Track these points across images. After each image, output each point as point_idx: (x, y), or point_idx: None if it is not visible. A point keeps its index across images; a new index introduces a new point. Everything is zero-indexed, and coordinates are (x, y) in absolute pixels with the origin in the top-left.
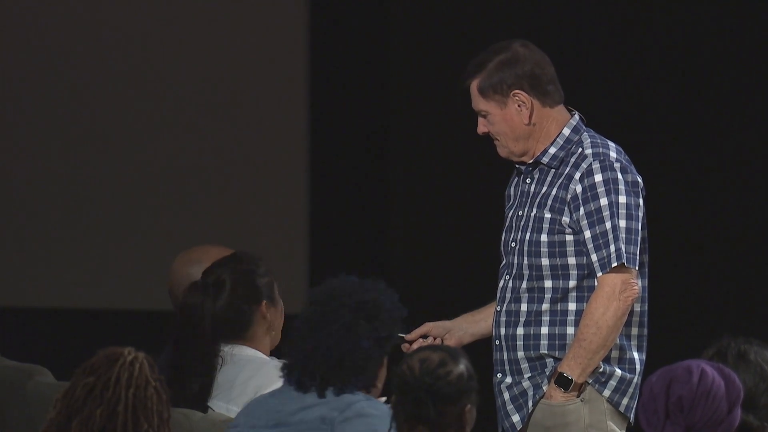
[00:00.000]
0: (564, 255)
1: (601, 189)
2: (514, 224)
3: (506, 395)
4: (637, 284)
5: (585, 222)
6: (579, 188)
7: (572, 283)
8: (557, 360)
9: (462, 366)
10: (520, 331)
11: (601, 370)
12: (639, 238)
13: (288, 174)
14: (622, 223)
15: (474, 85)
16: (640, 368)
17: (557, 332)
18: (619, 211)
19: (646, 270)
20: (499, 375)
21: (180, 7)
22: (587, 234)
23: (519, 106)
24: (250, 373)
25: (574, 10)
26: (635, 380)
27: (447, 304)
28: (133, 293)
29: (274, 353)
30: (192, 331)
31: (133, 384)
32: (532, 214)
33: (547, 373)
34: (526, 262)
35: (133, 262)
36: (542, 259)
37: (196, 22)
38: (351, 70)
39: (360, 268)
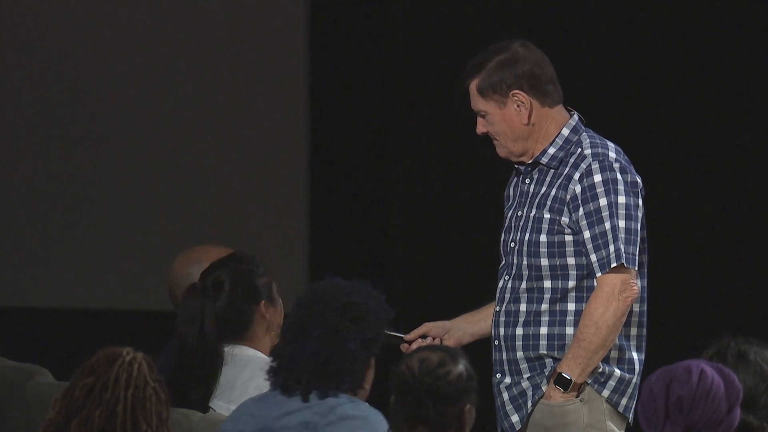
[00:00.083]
0: (563, 255)
1: (600, 189)
2: (513, 224)
3: (505, 395)
4: (637, 284)
5: (584, 222)
6: (578, 188)
7: (571, 284)
8: (556, 360)
9: (461, 366)
10: (519, 331)
11: (600, 370)
12: (638, 239)
13: (288, 174)
14: (622, 224)
15: (473, 85)
16: (640, 368)
17: (556, 332)
18: (619, 211)
19: (646, 270)
20: (498, 375)
21: (180, 7)
22: (586, 234)
23: (518, 106)
24: (251, 373)
25: (574, 10)
26: (634, 380)
27: (446, 304)
28: (133, 293)
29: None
30: (193, 332)
31: (132, 384)
32: (532, 214)
33: (547, 374)
34: (525, 262)
35: (133, 262)
36: (541, 260)
37: (196, 22)
38: (351, 70)
39: (360, 268)
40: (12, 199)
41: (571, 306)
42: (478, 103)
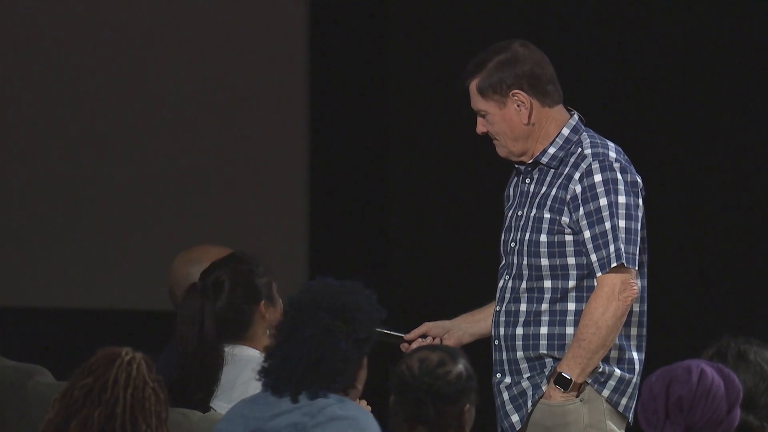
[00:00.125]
0: (563, 255)
1: (600, 189)
2: (513, 224)
3: (505, 395)
4: (637, 284)
5: (584, 222)
6: (578, 188)
7: (571, 283)
8: (556, 360)
9: (461, 365)
10: (519, 331)
11: (600, 370)
12: (638, 238)
13: (288, 174)
14: (622, 223)
15: (473, 85)
16: (640, 368)
17: (556, 332)
18: (619, 211)
19: (646, 270)
20: (498, 375)
21: (180, 7)
22: (587, 234)
23: (518, 105)
24: (252, 373)
25: (574, 10)
26: (634, 380)
27: (446, 304)
28: (133, 293)
29: None
30: (193, 332)
31: (131, 385)
32: (532, 214)
33: (547, 373)
34: (525, 262)
35: (133, 262)
36: (542, 259)
37: (196, 22)
38: (351, 70)
39: (360, 268)
40: (12, 199)
41: (571, 306)
42: (478, 102)
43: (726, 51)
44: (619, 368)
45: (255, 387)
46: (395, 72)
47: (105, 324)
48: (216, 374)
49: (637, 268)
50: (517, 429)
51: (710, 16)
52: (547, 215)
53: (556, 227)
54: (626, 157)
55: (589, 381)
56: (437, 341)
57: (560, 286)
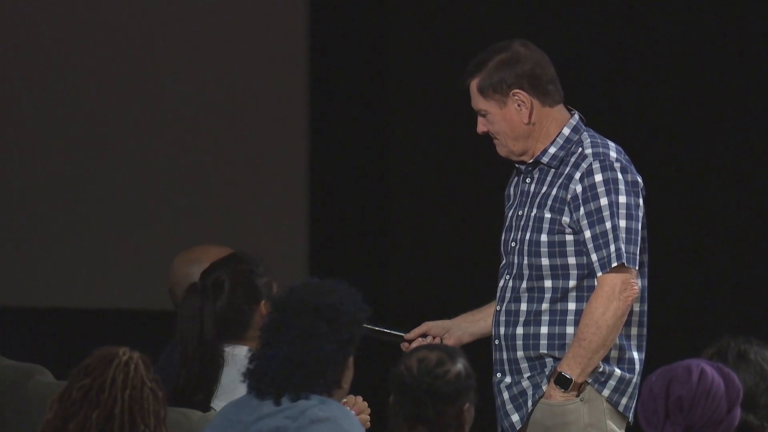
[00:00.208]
0: (564, 255)
1: (601, 189)
2: (514, 224)
3: (506, 395)
4: (637, 284)
5: (585, 222)
6: (579, 188)
7: (572, 283)
8: (557, 360)
9: (460, 365)
10: (519, 330)
11: (600, 369)
12: (639, 238)
13: (288, 174)
14: (622, 223)
15: (474, 85)
16: (640, 368)
17: (557, 332)
18: (619, 211)
19: (646, 270)
20: (498, 374)
21: (180, 7)
22: (587, 234)
23: (519, 105)
24: None
25: (574, 10)
26: (634, 380)
27: (447, 303)
28: (133, 293)
29: None
30: (193, 332)
31: (129, 385)
32: (532, 213)
33: (547, 373)
34: (526, 261)
35: (133, 262)
36: (542, 259)
37: (196, 23)
38: (351, 69)
39: (360, 268)
40: (12, 199)
41: (572, 305)
42: (478, 102)
43: (726, 51)
44: (619, 368)
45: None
46: (395, 72)
47: (105, 324)
48: (216, 374)
49: (637, 267)
50: (518, 429)
51: (710, 16)
52: (547, 215)
53: (556, 227)
54: (627, 156)
55: (590, 381)
56: (437, 341)
57: (561, 286)
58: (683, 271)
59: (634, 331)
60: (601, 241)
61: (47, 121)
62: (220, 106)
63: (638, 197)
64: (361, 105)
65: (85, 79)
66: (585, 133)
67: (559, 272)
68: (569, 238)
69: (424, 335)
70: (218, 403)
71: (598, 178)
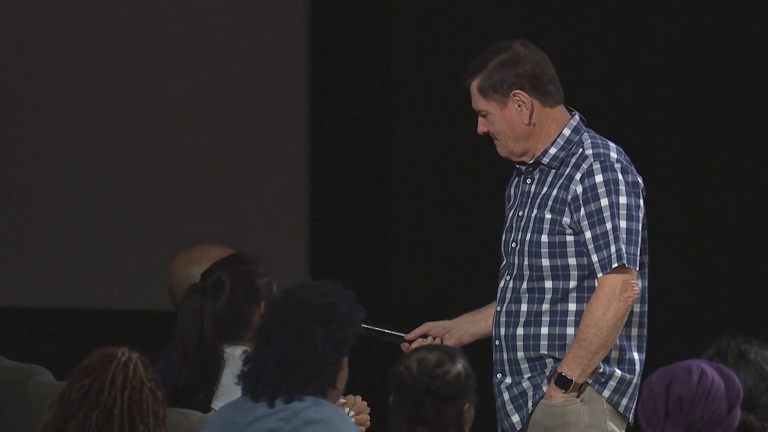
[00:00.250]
0: (564, 256)
1: (601, 189)
2: (514, 225)
3: (506, 395)
4: (638, 285)
5: (585, 222)
6: (579, 189)
7: (572, 284)
8: (557, 360)
9: (459, 365)
10: (520, 331)
11: (600, 370)
12: (639, 239)
13: (288, 174)
14: (623, 224)
15: (474, 85)
16: (640, 369)
17: (557, 333)
18: (620, 211)
19: (647, 270)
20: (499, 375)
21: (180, 7)
22: (588, 234)
23: (519, 106)
24: None
25: (574, 10)
26: (635, 381)
27: (447, 304)
28: (133, 293)
29: None
30: (193, 333)
31: (128, 386)
32: (533, 214)
33: (547, 374)
34: (526, 262)
35: (133, 262)
36: (542, 260)
37: (196, 23)
38: (351, 69)
39: (360, 268)
40: (12, 199)
41: (572, 306)
42: (479, 102)
43: (726, 51)
44: (619, 369)
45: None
46: (395, 72)
47: (105, 324)
48: (216, 375)
49: (638, 268)
50: (518, 429)
51: (710, 16)
52: (548, 216)
53: (557, 228)
54: (627, 157)
55: (590, 381)
56: (438, 341)
57: (561, 287)
58: (683, 272)
59: (634, 331)
60: (601, 241)
61: (47, 121)
62: (220, 106)
63: (639, 198)
64: (361, 105)
65: (85, 79)
66: (585, 133)
67: (560, 273)
68: (570, 238)
69: (424, 335)
70: (218, 404)
71: (599, 178)
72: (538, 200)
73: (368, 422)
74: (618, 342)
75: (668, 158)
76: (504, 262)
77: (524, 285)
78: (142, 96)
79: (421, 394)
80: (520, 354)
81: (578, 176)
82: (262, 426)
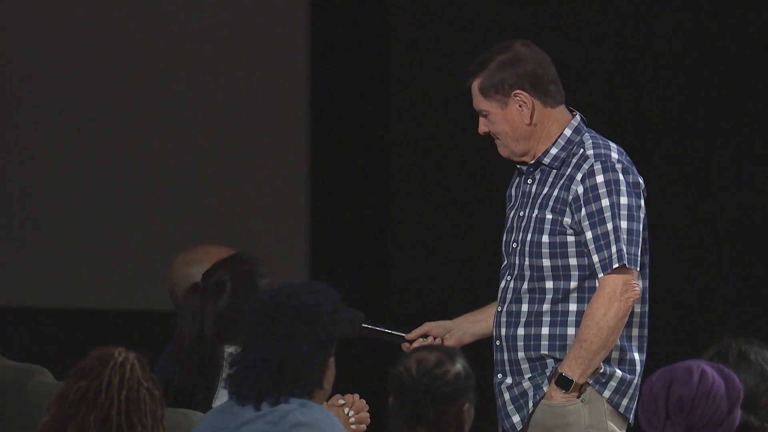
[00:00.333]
0: (565, 256)
1: (602, 190)
2: (515, 225)
3: (506, 396)
4: (638, 285)
5: (586, 223)
6: (580, 189)
7: (573, 284)
8: (558, 361)
9: (459, 365)
10: (520, 331)
11: (601, 370)
12: (640, 239)
13: (288, 174)
14: (624, 224)
15: (475, 85)
16: (641, 369)
17: (558, 333)
18: (621, 212)
19: (647, 271)
20: (499, 375)
21: (180, 7)
22: (589, 235)
23: (520, 106)
24: None
25: (575, 10)
26: (635, 381)
27: (447, 303)
28: (133, 293)
29: None
30: (192, 331)
31: (126, 386)
32: (534, 215)
33: (548, 374)
34: (527, 262)
35: (133, 262)
36: (543, 260)
37: (196, 22)
38: (351, 69)
39: (360, 268)
40: (12, 199)
41: (573, 306)
42: (480, 102)
43: (726, 51)
44: (620, 369)
45: None
46: (396, 72)
47: (105, 324)
48: (216, 375)
49: (638, 269)
50: (518, 429)
51: (710, 16)
52: (549, 216)
53: (557, 228)
54: (628, 158)
55: (590, 382)
56: (438, 341)
57: (562, 287)
58: (684, 272)
59: (635, 332)
60: (602, 242)
61: (47, 121)
62: (220, 106)
63: (639, 198)
64: (362, 105)
65: (85, 79)
66: (586, 134)
67: (561, 273)
68: (570, 239)
69: (425, 335)
70: (219, 404)
71: (600, 179)
72: (539, 200)
73: (368, 420)
74: (619, 342)
75: (669, 158)
76: (505, 263)
77: (525, 285)
78: (142, 96)
79: (420, 395)
80: (521, 354)
81: (579, 176)
82: (250, 430)
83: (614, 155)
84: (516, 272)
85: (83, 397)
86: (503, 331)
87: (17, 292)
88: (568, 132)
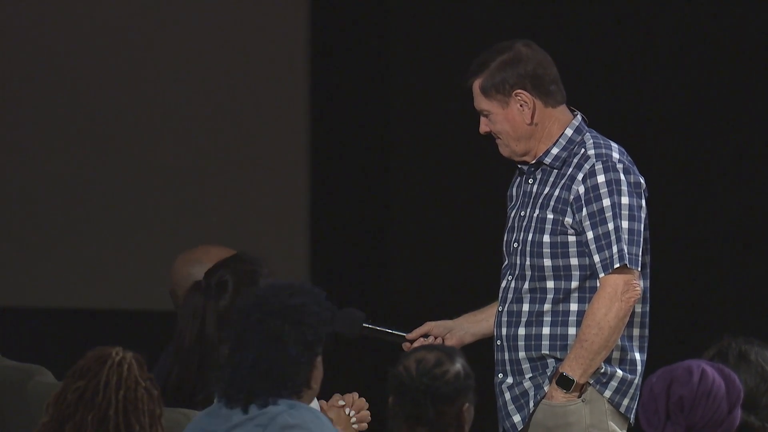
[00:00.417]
0: (566, 256)
1: (603, 190)
2: (516, 225)
3: (507, 395)
4: (639, 285)
5: (588, 223)
6: (582, 189)
7: (574, 284)
8: (558, 360)
9: (458, 365)
10: (521, 331)
11: (602, 370)
12: (641, 239)
13: (288, 174)
14: (625, 224)
15: (476, 85)
16: (641, 369)
17: (559, 333)
18: (622, 212)
19: (648, 271)
20: (500, 375)
21: (180, 7)
22: (590, 235)
23: (521, 105)
24: None
25: (576, 10)
26: (636, 381)
27: (447, 303)
28: (133, 293)
29: None
30: (192, 329)
31: (123, 386)
32: (535, 214)
33: (549, 374)
34: (528, 262)
35: (133, 262)
36: (544, 260)
37: (196, 22)
38: (352, 70)
39: (360, 268)
40: (12, 199)
41: (574, 306)
42: (481, 102)
43: (726, 51)
44: (621, 369)
45: None
46: (396, 72)
47: (105, 324)
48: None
49: (639, 269)
50: (519, 429)
51: (710, 16)
52: (550, 216)
53: (559, 228)
54: (629, 157)
55: (591, 381)
56: (439, 341)
57: (563, 287)
58: (684, 272)
59: (636, 332)
60: (603, 242)
61: (47, 121)
62: (220, 106)
63: (640, 198)
64: (362, 105)
65: (85, 79)
66: (587, 134)
67: (561, 273)
68: (571, 239)
69: (425, 335)
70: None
71: (601, 179)
72: (540, 200)
73: (369, 418)
74: (619, 342)
75: (669, 158)
76: (506, 262)
77: (526, 285)
78: (143, 96)
79: (420, 395)
80: (522, 354)
81: (580, 176)
82: None
83: (615, 155)
84: (517, 272)
85: (81, 398)
86: (504, 330)
87: (17, 292)
88: (569, 132)
